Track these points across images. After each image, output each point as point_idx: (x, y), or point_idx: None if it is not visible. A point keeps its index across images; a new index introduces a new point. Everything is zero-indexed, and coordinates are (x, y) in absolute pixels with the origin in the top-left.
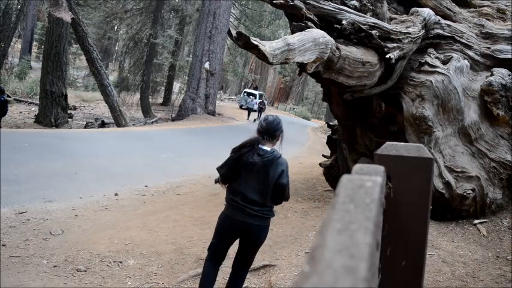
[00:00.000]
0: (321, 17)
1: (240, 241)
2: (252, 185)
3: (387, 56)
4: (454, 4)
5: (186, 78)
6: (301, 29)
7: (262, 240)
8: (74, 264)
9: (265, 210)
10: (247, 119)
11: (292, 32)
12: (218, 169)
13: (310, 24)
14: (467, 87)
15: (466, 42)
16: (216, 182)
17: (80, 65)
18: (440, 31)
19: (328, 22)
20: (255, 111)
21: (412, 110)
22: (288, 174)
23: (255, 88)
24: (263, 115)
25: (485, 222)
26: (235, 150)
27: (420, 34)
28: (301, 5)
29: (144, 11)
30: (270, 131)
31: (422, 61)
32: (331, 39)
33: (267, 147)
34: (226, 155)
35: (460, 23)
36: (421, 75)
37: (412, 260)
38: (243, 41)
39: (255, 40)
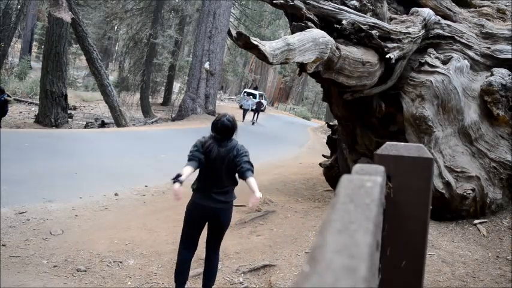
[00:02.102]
0: (321, 17)
1: (209, 225)
2: (217, 173)
3: (387, 56)
4: (454, 4)
5: (186, 78)
6: (301, 29)
7: (229, 221)
8: (74, 264)
9: (229, 195)
10: (243, 121)
11: (292, 32)
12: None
13: (310, 24)
14: (467, 87)
15: (466, 42)
16: (174, 182)
17: (80, 65)
18: (440, 31)
19: (328, 22)
20: (253, 111)
21: (412, 110)
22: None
23: (255, 88)
24: (261, 116)
25: (485, 222)
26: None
27: (420, 34)
28: (301, 5)
29: (144, 11)
30: (228, 134)
31: (422, 61)
32: (331, 39)
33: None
34: None
35: (460, 23)
36: (421, 75)
37: (412, 260)
38: (243, 41)
39: (255, 40)
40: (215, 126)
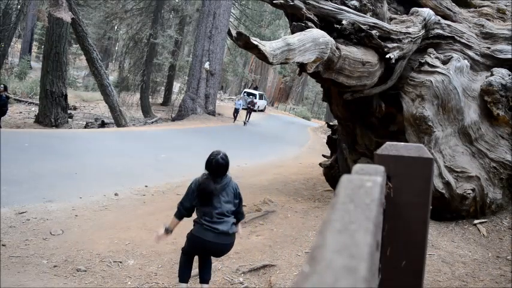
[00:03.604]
0: (321, 17)
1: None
2: (215, 208)
3: (387, 56)
4: (454, 4)
5: (186, 78)
6: (301, 29)
7: (228, 250)
8: (74, 264)
9: (229, 228)
10: (234, 122)
11: (292, 32)
12: (180, 204)
13: (310, 24)
14: (467, 87)
15: (466, 42)
16: (166, 231)
17: (80, 65)
18: (440, 31)
19: (328, 22)
20: (245, 109)
21: (412, 110)
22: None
23: (255, 88)
24: (261, 116)
25: (485, 222)
26: (197, 189)
27: (420, 34)
28: (301, 5)
29: (144, 11)
30: (222, 172)
31: (422, 61)
32: (331, 39)
33: None
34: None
35: (460, 23)
36: (421, 75)
37: (412, 260)
38: (243, 41)
39: (255, 40)
40: (209, 164)
